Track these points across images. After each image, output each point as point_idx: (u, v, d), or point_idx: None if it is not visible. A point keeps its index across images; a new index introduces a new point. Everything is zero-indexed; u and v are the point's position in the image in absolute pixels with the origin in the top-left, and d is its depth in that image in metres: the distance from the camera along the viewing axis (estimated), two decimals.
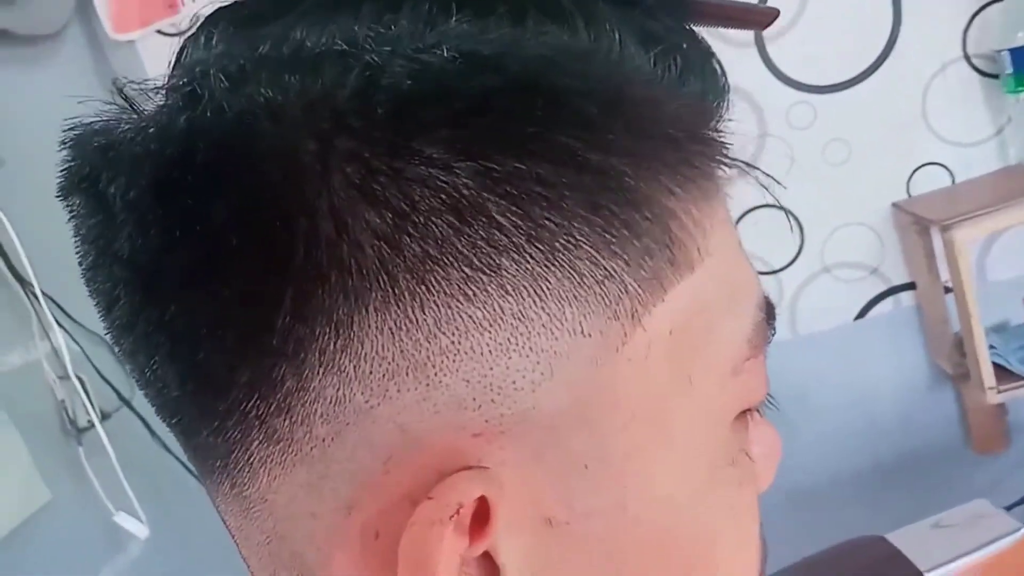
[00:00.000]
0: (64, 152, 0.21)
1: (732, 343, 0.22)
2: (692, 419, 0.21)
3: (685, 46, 0.21)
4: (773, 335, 0.23)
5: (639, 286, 0.20)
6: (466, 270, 0.18)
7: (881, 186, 1.34)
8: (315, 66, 0.18)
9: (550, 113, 0.19)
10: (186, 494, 0.74)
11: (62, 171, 0.22)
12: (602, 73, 0.20)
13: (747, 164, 0.22)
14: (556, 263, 0.19)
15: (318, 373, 0.19)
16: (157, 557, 1.04)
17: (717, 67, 0.22)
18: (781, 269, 1.39)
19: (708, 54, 0.22)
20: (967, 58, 1.28)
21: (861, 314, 1.38)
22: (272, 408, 0.19)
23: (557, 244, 0.19)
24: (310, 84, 0.18)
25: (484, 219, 0.18)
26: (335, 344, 0.19)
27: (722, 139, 0.22)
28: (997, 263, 1.35)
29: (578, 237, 0.19)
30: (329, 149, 0.18)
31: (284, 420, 0.19)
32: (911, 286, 1.37)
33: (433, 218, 0.18)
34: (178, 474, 0.76)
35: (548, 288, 0.19)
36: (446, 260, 0.18)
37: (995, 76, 1.27)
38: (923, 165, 1.32)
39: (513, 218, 0.18)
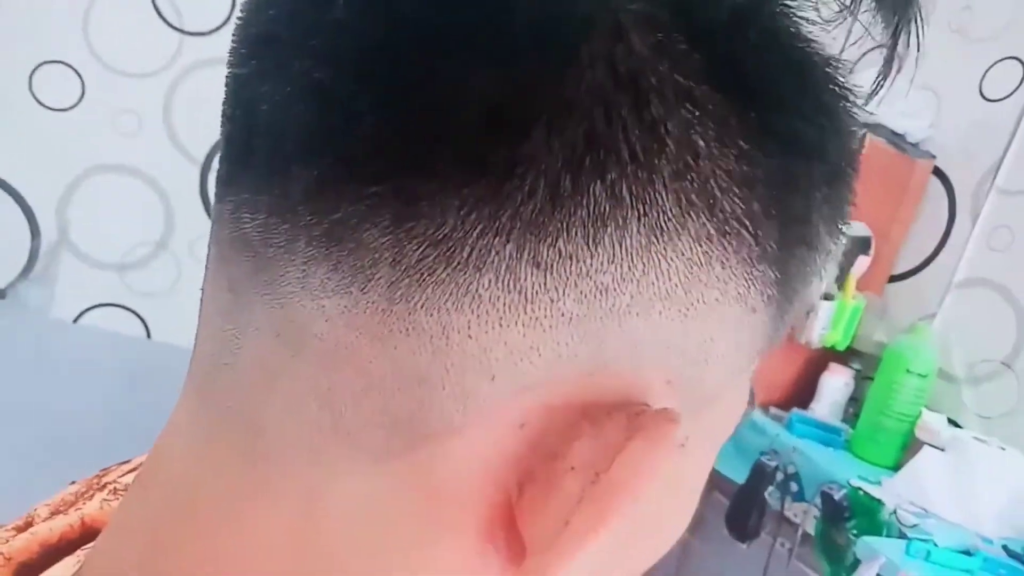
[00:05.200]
0: None
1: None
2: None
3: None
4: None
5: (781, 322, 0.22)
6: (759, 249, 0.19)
7: None
8: None
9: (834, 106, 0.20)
10: None
11: None
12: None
13: None
14: (789, 253, 0.20)
15: (608, 255, 0.18)
16: None
17: None
18: None
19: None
20: None
21: None
22: (533, 256, 0.17)
23: (800, 236, 0.20)
24: None
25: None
26: (642, 241, 0.18)
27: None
28: None
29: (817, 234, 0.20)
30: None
31: (533, 273, 0.17)
32: None
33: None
34: None
35: (767, 282, 0.20)
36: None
37: None
38: None
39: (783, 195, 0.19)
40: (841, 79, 0.20)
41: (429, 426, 0.18)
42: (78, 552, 0.29)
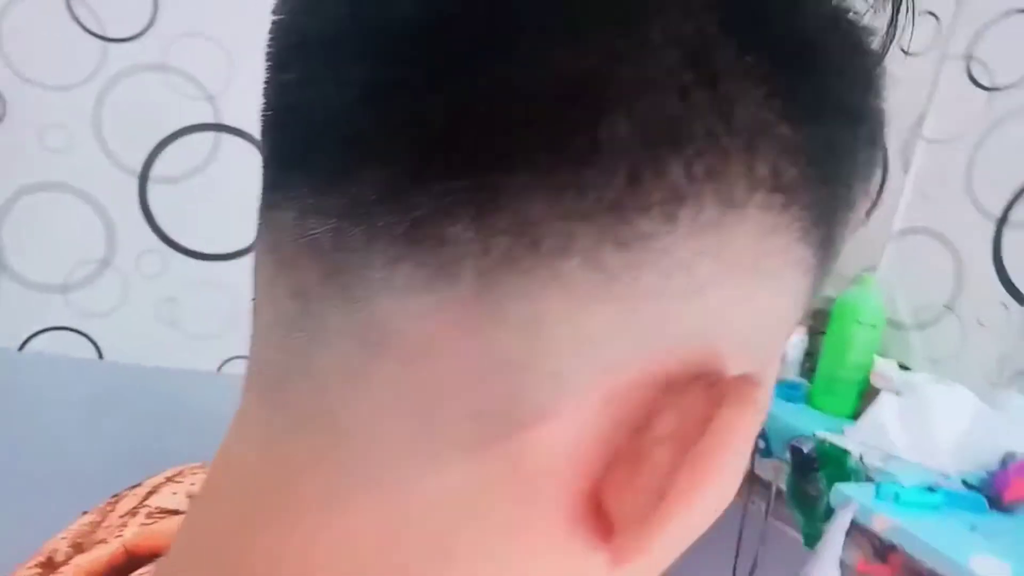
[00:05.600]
0: None
1: None
2: None
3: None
4: None
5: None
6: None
7: None
8: None
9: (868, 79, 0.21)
10: None
11: None
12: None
13: None
14: (832, 233, 0.21)
15: (685, 231, 0.18)
16: None
17: None
18: None
19: None
20: None
21: None
22: (615, 237, 0.18)
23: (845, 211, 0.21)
24: None
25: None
26: (716, 216, 0.18)
27: None
28: None
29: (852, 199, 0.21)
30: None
31: (617, 253, 0.18)
32: None
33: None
34: None
35: (817, 245, 0.21)
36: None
37: None
38: None
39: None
40: (874, 46, 0.21)
41: (521, 413, 0.19)
42: (140, 571, 0.29)
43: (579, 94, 0.17)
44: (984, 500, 1.31)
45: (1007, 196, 1.50)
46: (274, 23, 0.21)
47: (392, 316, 0.19)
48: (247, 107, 1.35)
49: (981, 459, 1.40)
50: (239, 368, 1.43)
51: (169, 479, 0.36)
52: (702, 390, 0.19)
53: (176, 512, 0.33)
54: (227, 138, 1.50)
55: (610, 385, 0.19)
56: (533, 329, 0.18)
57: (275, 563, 0.20)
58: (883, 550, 1.79)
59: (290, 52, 0.20)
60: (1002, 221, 1.65)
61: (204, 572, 0.21)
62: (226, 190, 1.47)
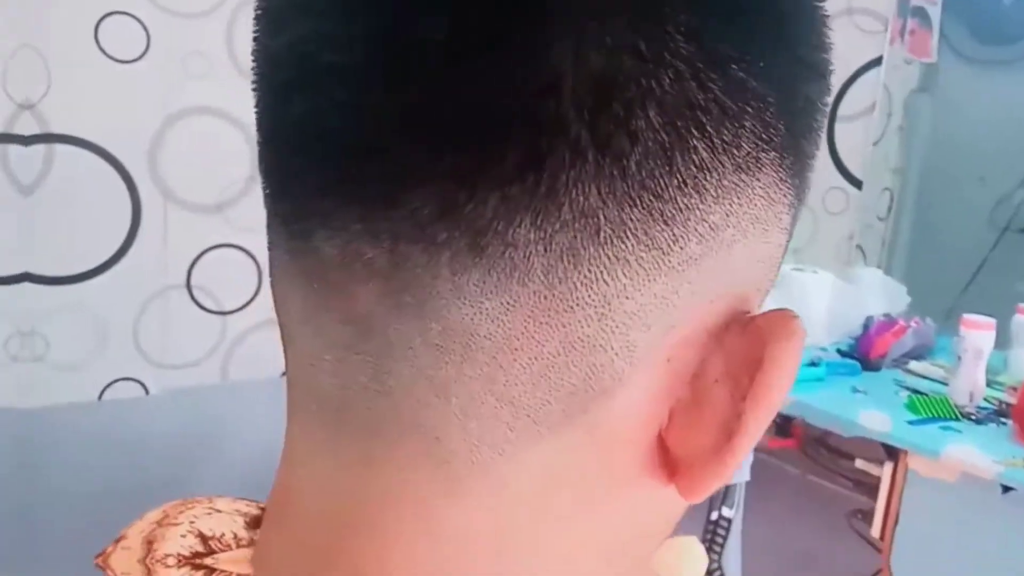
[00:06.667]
0: None
1: None
2: None
3: None
4: None
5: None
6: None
7: None
8: None
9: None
10: None
11: None
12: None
13: None
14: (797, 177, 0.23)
15: (713, 197, 0.20)
16: None
17: None
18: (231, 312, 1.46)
19: None
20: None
21: None
22: (660, 215, 0.19)
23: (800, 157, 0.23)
24: None
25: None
26: (736, 180, 0.20)
27: None
28: None
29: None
30: None
31: (664, 229, 0.19)
32: None
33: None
34: None
35: (800, 188, 0.23)
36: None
37: None
38: None
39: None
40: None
41: (599, 386, 0.21)
42: None
43: (615, 91, 0.19)
44: (857, 364, 1.52)
45: (834, 92, 1.68)
46: (263, 50, 0.22)
47: (468, 321, 0.20)
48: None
49: (847, 328, 1.61)
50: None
51: (159, 523, 0.33)
52: (738, 331, 0.21)
53: (202, 554, 0.31)
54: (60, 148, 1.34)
55: (670, 345, 0.21)
56: (602, 309, 0.20)
57: (385, 567, 0.22)
58: (785, 425, 2.02)
59: (296, 82, 0.21)
60: (832, 117, 1.86)
61: None
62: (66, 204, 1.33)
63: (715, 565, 1.55)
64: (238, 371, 1.44)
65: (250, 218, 1.42)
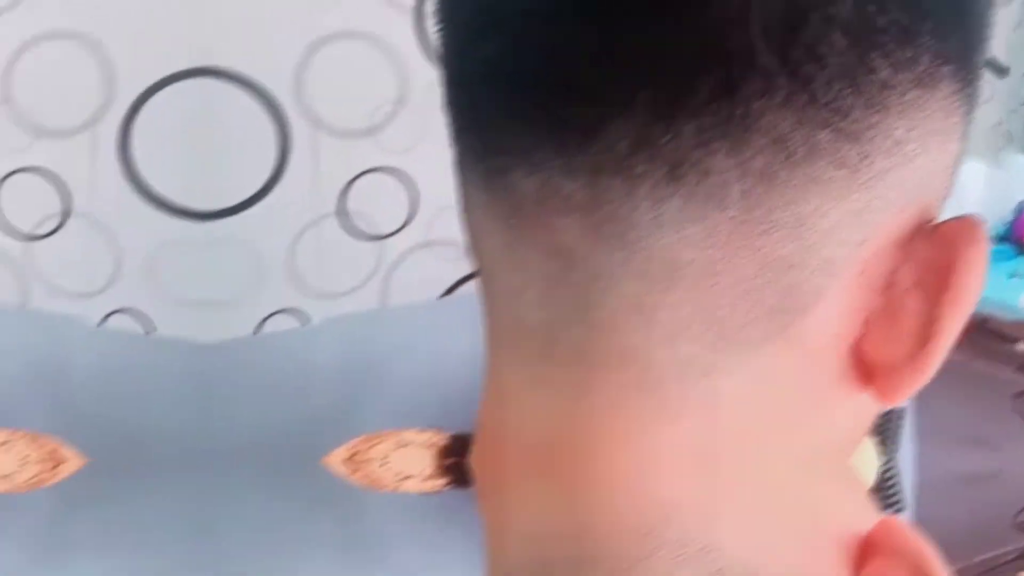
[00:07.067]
0: None
1: None
2: None
3: None
4: None
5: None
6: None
7: None
8: None
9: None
10: None
11: None
12: None
13: None
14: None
15: (896, 112, 0.20)
16: None
17: None
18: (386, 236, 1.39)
19: None
20: None
21: (450, 291, 1.31)
22: (848, 134, 0.20)
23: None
24: None
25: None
26: (916, 95, 0.21)
27: None
28: None
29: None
30: None
31: (852, 147, 0.20)
32: None
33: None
34: None
35: (972, 102, 0.23)
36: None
37: None
38: None
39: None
40: None
41: (799, 303, 0.21)
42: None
43: (801, 19, 0.19)
44: (1012, 249, 1.49)
45: None
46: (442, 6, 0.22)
47: (670, 249, 0.20)
48: None
49: (1000, 214, 1.59)
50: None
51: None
52: (925, 239, 0.22)
53: None
54: None
55: (862, 259, 0.21)
56: (799, 230, 0.20)
57: (601, 488, 0.23)
58: None
59: (489, 23, 0.21)
60: None
61: (552, 513, 0.24)
62: None
63: (889, 460, 1.56)
64: (397, 295, 1.46)
65: (401, 141, 1.36)
